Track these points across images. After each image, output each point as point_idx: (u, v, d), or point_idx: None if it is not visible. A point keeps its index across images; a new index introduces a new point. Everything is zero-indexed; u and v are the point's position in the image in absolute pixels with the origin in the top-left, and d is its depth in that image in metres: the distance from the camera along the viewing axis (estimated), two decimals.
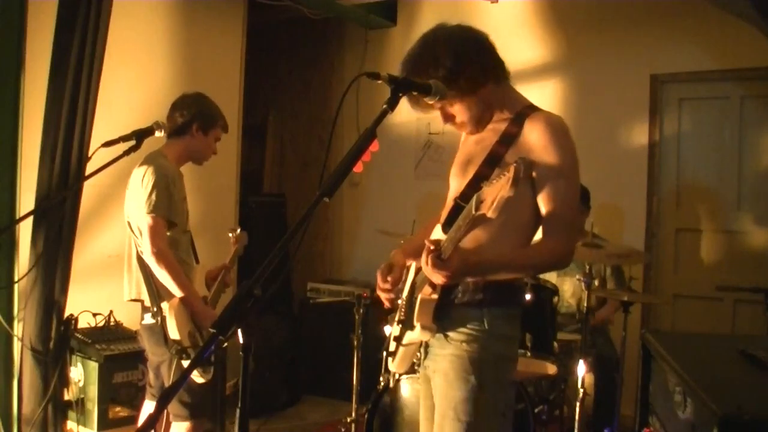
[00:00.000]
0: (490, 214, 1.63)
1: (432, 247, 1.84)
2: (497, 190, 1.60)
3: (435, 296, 1.99)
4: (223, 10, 4.79)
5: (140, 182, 2.93)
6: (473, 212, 1.69)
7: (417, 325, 1.97)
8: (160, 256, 2.87)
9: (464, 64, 1.95)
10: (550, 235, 1.98)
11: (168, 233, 2.95)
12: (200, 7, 4.60)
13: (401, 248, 2.26)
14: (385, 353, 2.24)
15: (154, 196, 2.89)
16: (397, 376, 3.26)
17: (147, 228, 2.88)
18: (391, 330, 2.25)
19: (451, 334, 2.00)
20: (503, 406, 2.04)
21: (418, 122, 5.37)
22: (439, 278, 1.86)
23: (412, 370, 2.21)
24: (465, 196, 1.95)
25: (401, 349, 2.12)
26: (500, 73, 2.04)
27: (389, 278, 2.14)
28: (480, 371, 1.96)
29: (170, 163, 3.05)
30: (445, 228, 1.96)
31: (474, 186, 1.96)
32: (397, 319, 2.21)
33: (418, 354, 2.13)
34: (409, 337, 2.05)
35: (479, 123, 2.06)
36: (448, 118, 2.07)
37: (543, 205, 1.96)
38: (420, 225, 2.43)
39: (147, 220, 2.88)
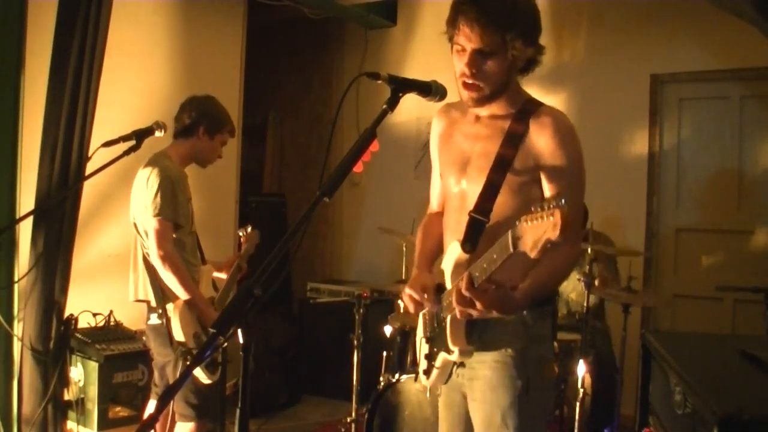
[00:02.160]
0: (534, 256, 1.55)
1: (465, 282, 1.77)
2: (540, 232, 1.51)
3: None
4: (223, 11, 4.79)
5: (145, 184, 2.93)
6: (511, 250, 1.62)
7: (455, 350, 1.93)
8: (166, 258, 2.87)
9: (537, 26, 1.92)
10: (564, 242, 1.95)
11: (174, 235, 2.94)
12: (200, 7, 4.60)
13: (417, 265, 2.15)
14: (418, 369, 2.16)
15: (159, 199, 2.88)
16: (397, 376, 3.26)
17: (153, 231, 2.88)
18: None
19: (491, 343, 1.96)
20: (546, 407, 2.04)
21: (418, 122, 5.37)
22: (474, 312, 1.79)
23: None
24: (481, 210, 1.92)
25: (435, 370, 2.05)
26: (534, 64, 1.99)
27: (426, 295, 2.00)
28: (525, 375, 1.94)
29: (175, 163, 3.04)
30: (465, 246, 1.91)
31: (488, 197, 1.92)
32: (422, 335, 2.15)
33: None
34: (445, 358, 2.00)
35: (494, 92, 1.93)
36: (475, 63, 1.87)
37: None
38: (419, 225, 2.37)
39: (153, 223, 2.88)
